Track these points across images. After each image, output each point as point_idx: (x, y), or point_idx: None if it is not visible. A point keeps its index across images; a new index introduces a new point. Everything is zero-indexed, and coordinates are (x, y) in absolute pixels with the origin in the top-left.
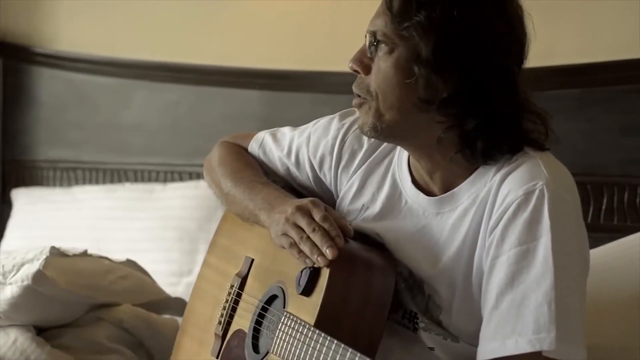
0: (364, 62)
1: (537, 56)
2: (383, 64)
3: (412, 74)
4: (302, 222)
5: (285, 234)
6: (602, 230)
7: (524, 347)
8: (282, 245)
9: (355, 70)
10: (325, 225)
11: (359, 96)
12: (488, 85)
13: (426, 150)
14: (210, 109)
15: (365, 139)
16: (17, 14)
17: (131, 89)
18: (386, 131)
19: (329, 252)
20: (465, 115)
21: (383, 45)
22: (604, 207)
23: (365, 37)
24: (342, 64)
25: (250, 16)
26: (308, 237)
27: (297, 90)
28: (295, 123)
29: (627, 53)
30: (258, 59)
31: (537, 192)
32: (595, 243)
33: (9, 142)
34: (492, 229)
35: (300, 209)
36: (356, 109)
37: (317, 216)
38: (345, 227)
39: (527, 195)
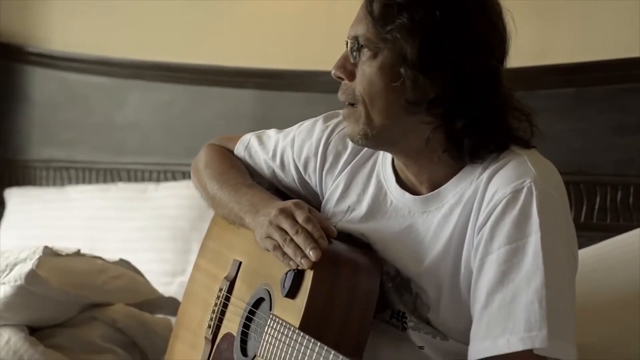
0: (347, 68)
1: (531, 55)
2: (368, 68)
3: (398, 77)
4: (285, 225)
5: (269, 237)
6: (595, 229)
7: (516, 346)
8: (267, 248)
9: (339, 77)
10: (308, 227)
11: (348, 104)
12: (474, 83)
13: (414, 154)
14: (204, 109)
15: (349, 140)
16: (10, 14)
17: (125, 89)
18: (376, 137)
19: (312, 254)
20: (453, 114)
21: (366, 50)
22: (597, 206)
23: (347, 43)
24: None
25: (244, 16)
26: (291, 240)
27: (291, 89)
28: (290, 122)
29: (621, 52)
30: (252, 59)
31: (525, 189)
32: (588, 242)
33: (2, 141)
34: (480, 227)
35: (283, 212)
36: (342, 114)
37: (300, 218)
38: (329, 228)
39: (515, 193)
